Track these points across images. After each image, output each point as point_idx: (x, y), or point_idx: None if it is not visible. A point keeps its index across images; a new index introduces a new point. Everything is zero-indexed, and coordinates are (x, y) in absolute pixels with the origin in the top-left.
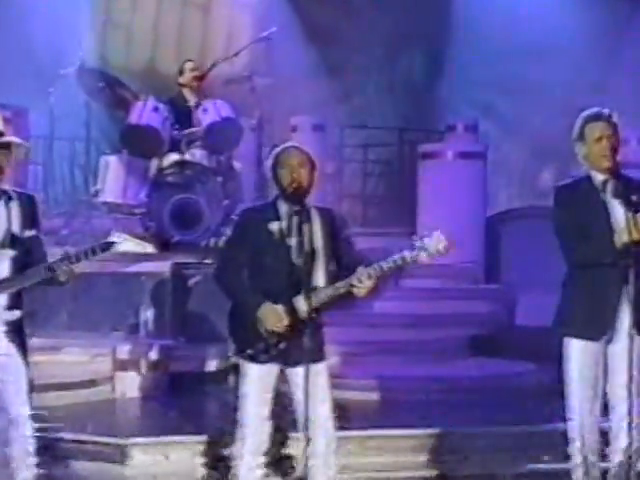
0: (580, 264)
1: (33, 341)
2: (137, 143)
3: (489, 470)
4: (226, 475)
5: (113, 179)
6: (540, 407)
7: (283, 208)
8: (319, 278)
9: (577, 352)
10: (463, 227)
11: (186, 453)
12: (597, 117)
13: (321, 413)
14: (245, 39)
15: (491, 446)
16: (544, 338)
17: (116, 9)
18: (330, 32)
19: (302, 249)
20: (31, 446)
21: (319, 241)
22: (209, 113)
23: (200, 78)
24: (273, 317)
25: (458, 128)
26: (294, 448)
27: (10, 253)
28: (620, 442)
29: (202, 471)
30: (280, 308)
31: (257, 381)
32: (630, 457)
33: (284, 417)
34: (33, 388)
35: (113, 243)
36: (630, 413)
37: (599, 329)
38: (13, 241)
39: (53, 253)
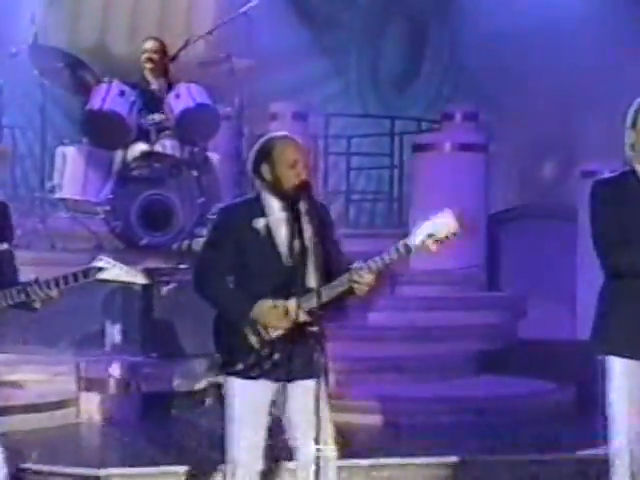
0: (622, 273)
1: None
2: (100, 132)
3: None
4: None
5: (72, 173)
6: (564, 431)
7: (270, 203)
8: (311, 280)
9: (621, 371)
10: (463, 228)
11: None
12: None
13: (322, 438)
14: (209, 16)
15: (517, 477)
16: (559, 353)
17: None
18: (313, 10)
19: (293, 248)
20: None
21: (311, 239)
22: (182, 98)
23: (169, 59)
24: (273, 314)
25: (456, 116)
26: None
27: None
28: None
29: None
30: (280, 303)
31: (249, 402)
32: None
33: (276, 445)
34: None
35: (99, 269)
36: None
37: None
38: None
39: None
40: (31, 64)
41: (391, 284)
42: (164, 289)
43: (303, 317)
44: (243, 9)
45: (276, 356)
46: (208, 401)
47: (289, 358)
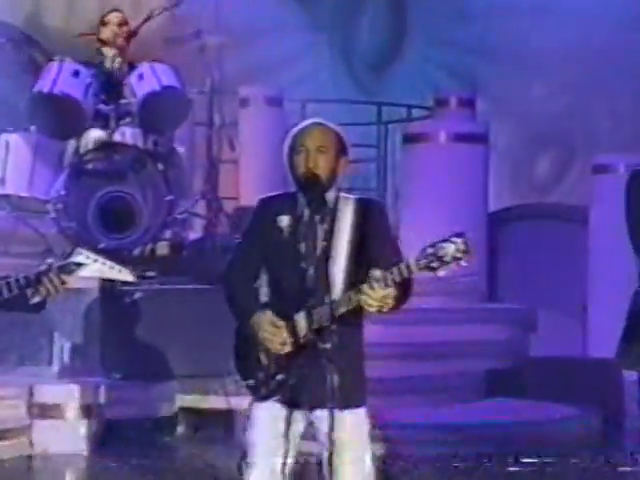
0: None
1: None
2: (50, 118)
3: None
4: None
5: (16, 165)
6: (603, 463)
7: (301, 200)
8: (332, 291)
9: None
10: (461, 227)
11: None
12: None
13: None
14: None
15: None
16: (573, 371)
17: None
18: None
19: (312, 252)
20: None
21: (341, 243)
22: (146, 80)
23: (130, 35)
24: (269, 331)
25: (451, 102)
26: None
27: None
28: None
29: None
30: (281, 324)
31: (260, 424)
32: None
33: None
34: None
35: (78, 265)
36: None
37: None
38: None
39: None
40: None
41: None
42: (128, 299)
43: (309, 336)
44: None
45: (279, 377)
46: (180, 428)
47: (300, 380)
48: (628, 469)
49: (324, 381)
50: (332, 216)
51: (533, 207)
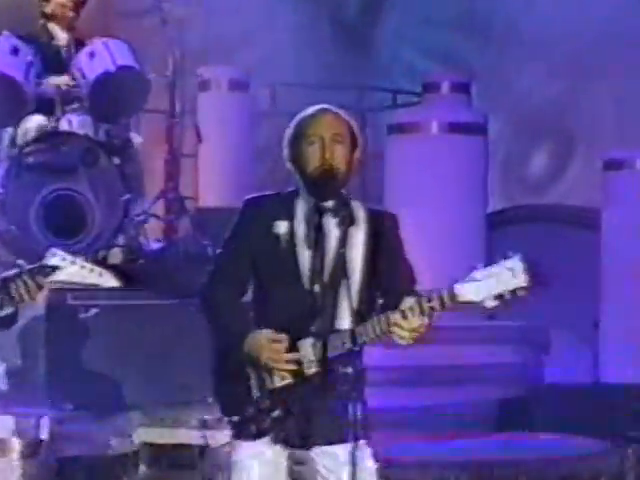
0: None
1: None
2: None
3: None
4: None
5: None
6: None
7: (302, 203)
8: (343, 316)
9: None
10: (456, 234)
11: None
12: None
13: None
14: None
15: None
16: (587, 398)
17: None
18: None
19: (319, 265)
20: None
21: (356, 256)
22: (98, 59)
23: (77, 5)
24: (271, 346)
25: (442, 87)
26: None
27: None
28: None
29: None
30: (284, 337)
31: (246, 470)
32: None
33: None
34: None
35: (53, 268)
36: None
37: None
38: None
39: None
40: None
41: None
42: (81, 316)
43: (315, 369)
44: None
45: (276, 413)
46: (142, 467)
47: (301, 417)
48: None
49: (334, 412)
50: (349, 221)
51: (529, 209)
